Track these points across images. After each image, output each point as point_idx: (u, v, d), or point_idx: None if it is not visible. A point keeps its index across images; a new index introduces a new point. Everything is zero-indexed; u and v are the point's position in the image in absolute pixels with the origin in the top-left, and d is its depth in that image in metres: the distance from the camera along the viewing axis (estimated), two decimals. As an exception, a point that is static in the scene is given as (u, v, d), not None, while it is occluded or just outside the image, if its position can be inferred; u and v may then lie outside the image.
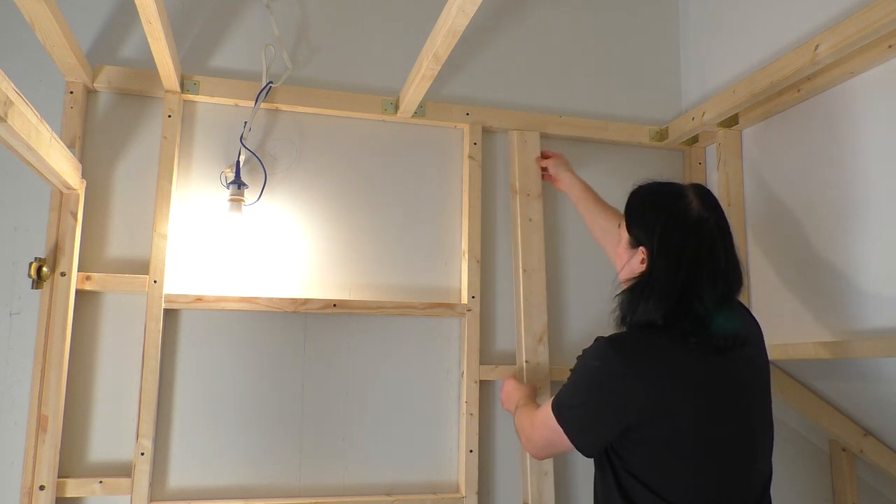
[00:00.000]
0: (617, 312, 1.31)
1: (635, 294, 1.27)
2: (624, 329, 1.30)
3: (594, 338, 1.29)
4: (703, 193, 1.29)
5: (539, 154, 1.99)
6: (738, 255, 1.28)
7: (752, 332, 1.31)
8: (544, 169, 1.97)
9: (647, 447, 1.20)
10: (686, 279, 1.21)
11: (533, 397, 1.67)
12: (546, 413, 1.31)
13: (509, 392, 1.72)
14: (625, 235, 1.34)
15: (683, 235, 1.23)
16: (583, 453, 1.27)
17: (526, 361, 1.84)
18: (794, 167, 1.78)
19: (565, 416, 1.26)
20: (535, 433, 1.37)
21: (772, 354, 1.76)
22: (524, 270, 1.90)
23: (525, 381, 1.82)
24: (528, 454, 1.80)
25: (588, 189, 1.84)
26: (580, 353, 1.31)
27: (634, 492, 1.21)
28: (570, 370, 1.31)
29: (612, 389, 1.20)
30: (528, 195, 1.94)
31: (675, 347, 1.20)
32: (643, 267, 1.27)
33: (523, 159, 1.96)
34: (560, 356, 1.96)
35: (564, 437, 1.26)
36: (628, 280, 1.31)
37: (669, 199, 1.29)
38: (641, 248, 1.28)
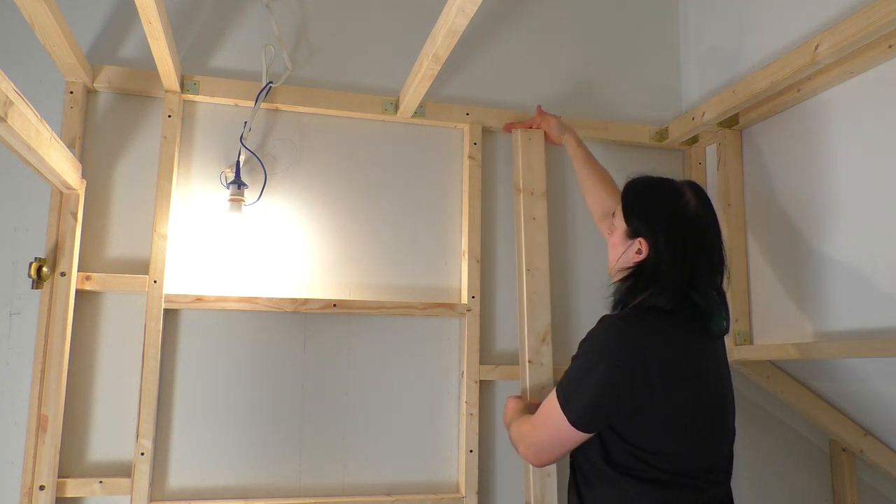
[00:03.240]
0: (614, 298, 1.37)
1: (636, 283, 1.32)
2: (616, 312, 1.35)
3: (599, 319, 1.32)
4: (698, 190, 1.36)
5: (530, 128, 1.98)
6: (724, 248, 1.37)
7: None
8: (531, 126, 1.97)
9: (644, 420, 1.24)
10: (689, 272, 1.28)
11: (529, 411, 1.62)
12: (549, 410, 1.30)
13: (507, 410, 1.66)
14: (621, 226, 1.38)
15: (687, 230, 1.30)
16: (584, 433, 1.27)
17: (529, 362, 1.82)
18: (793, 167, 1.78)
19: (574, 403, 1.26)
20: (537, 435, 1.34)
21: (772, 354, 1.77)
22: (528, 270, 1.86)
23: (528, 381, 1.80)
24: None
25: (591, 157, 1.87)
26: (584, 338, 1.32)
27: (622, 459, 1.26)
28: (574, 357, 1.31)
29: (630, 366, 1.22)
30: (532, 193, 1.91)
31: (677, 330, 1.27)
32: (639, 257, 1.33)
33: (527, 157, 1.93)
34: (564, 357, 1.96)
35: (572, 429, 1.25)
36: (624, 269, 1.36)
37: (671, 194, 1.34)
38: (640, 240, 1.33)
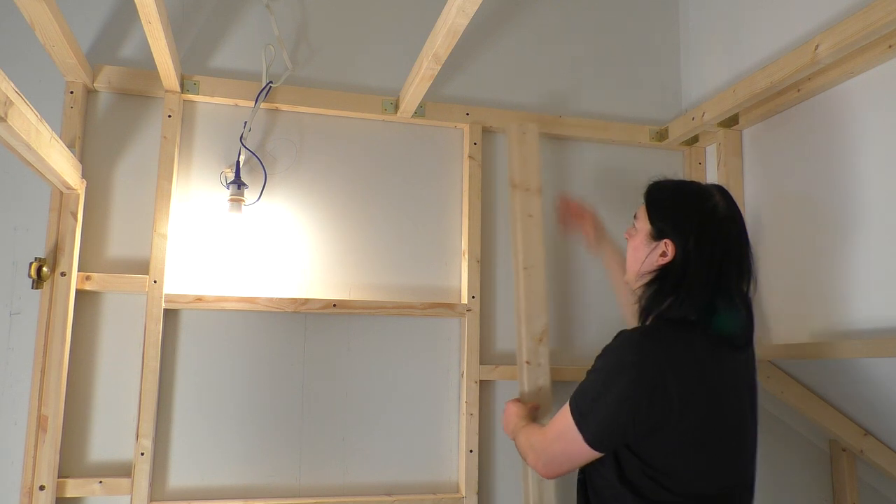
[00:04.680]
0: (641, 304, 1.30)
1: (662, 286, 1.27)
2: (645, 322, 1.29)
3: (605, 336, 1.29)
4: (726, 193, 1.33)
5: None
6: (753, 254, 1.31)
7: (752, 334, 1.33)
8: (576, 217, 1.85)
9: (661, 439, 1.20)
10: (717, 277, 1.24)
11: (533, 417, 1.62)
12: (563, 424, 1.26)
13: (508, 416, 1.63)
14: (645, 227, 1.33)
15: (716, 234, 1.26)
16: (598, 451, 1.24)
17: (527, 363, 1.80)
18: (793, 167, 1.78)
19: (589, 418, 1.22)
20: (550, 448, 1.31)
21: (772, 354, 1.77)
22: (524, 268, 1.83)
23: (525, 382, 1.78)
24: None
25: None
26: (600, 353, 1.28)
27: (638, 479, 1.22)
28: (589, 371, 1.28)
29: (649, 384, 1.18)
30: (528, 190, 1.87)
31: (699, 344, 1.22)
32: (664, 260, 1.28)
33: (522, 153, 1.89)
34: (561, 357, 1.96)
35: (586, 446, 1.22)
36: (647, 273, 1.31)
37: (699, 197, 1.31)
38: (666, 241, 1.28)
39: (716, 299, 1.24)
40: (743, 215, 1.32)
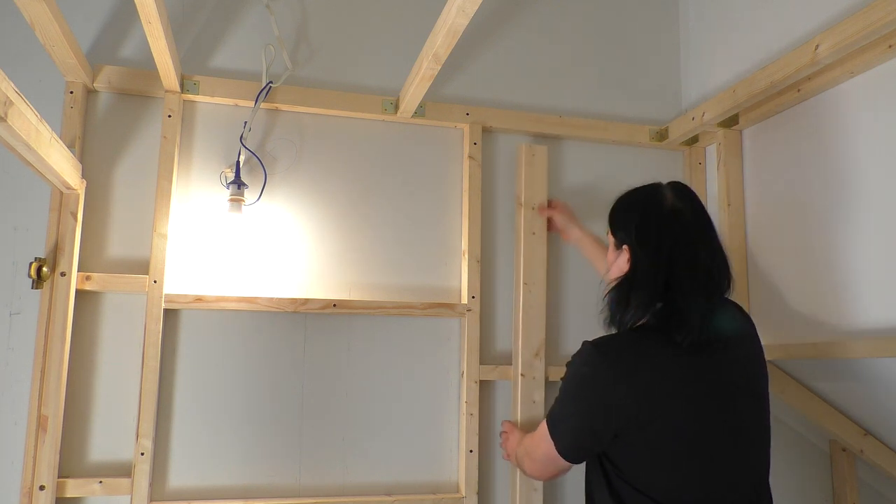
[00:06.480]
0: (605, 313, 1.31)
1: (622, 292, 1.28)
2: (612, 330, 1.30)
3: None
4: (678, 187, 1.32)
5: (546, 200, 1.92)
6: (722, 246, 1.28)
7: (743, 331, 1.30)
8: (550, 219, 1.92)
9: (634, 450, 1.20)
10: (667, 273, 1.21)
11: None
12: (542, 431, 1.31)
13: (508, 445, 1.73)
14: (611, 238, 1.36)
15: (659, 229, 1.25)
16: (572, 462, 1.28)
17: (522, 375, 1.84)
18: (794, 167, 1.78)
19: (558, 429, 1.26)
20: (536, 451, 1.35)
21: (771, 354, 1.77)
22: (525, 283, 1.88)
23: (520, 395, 1.83)
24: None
25: (598, 243, 1.82)
26: (569, 360, 1.31)
27: (624, 493, 1.22)
28: (561, 379, 1.31)
29: (600, 395, 1.20)
30: (534, 208, 1.92)
31: (661, 349, 1.20)
32: (629, 265, 1.28)
33: (530, 172, 1.93)
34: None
35: (559, 455, 1.26)
36: (615, 279, 1.32)
37: (643, 195, 1.32)
38: (625, 247, 1.29)
39: (673, 298, 1.20)
40: (704, 207, 1.29)
